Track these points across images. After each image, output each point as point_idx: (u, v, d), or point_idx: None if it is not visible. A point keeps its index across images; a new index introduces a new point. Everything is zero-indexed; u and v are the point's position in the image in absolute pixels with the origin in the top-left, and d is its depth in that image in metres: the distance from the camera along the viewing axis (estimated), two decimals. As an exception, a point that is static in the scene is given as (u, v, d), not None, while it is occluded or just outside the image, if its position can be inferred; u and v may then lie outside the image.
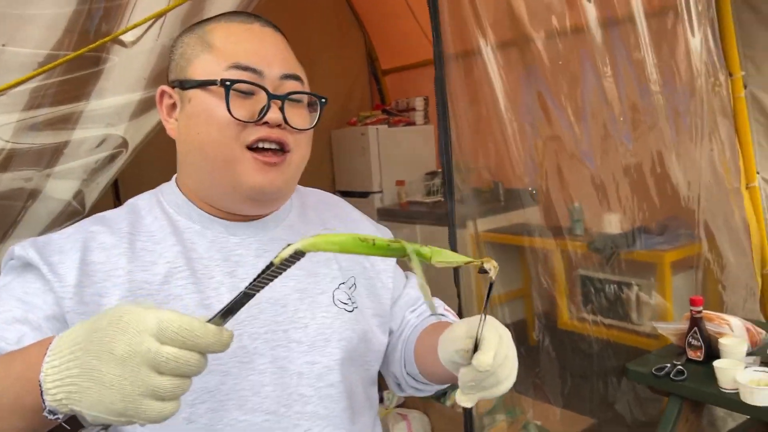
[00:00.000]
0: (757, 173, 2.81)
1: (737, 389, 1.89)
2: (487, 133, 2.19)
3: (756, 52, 2.59)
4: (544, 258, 3.03)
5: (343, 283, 1.00)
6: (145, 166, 2.08)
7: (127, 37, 1.23)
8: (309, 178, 1.05)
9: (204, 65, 0.88)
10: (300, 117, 0.92)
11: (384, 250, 0.65)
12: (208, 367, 0.66)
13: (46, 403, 0.62)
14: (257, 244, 0.95)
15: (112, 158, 1.31)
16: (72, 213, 1.31)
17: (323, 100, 0.94)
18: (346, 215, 1.11)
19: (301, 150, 0.93)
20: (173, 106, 0.93)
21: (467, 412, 2.12)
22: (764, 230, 2.90)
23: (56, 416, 0.63)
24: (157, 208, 0.95)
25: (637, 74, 2.17)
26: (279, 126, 0.88)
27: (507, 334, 0.81)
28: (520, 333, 3.06)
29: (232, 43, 0.89)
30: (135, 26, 1.21)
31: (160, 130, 1.43)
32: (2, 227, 1.32)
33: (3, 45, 1.19)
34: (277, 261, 0.61)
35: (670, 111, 2.29)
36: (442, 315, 1.09)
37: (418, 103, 4.85)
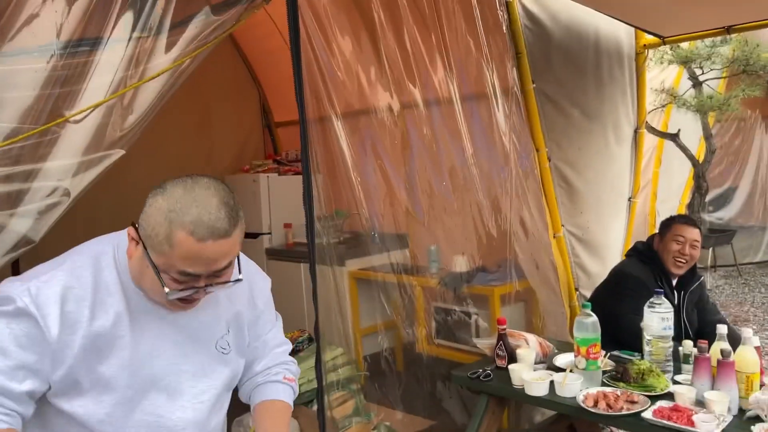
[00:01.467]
0: (563, 226, 3.61)
1: (522, 385, 2.57)
2: (339, 186, 2.81)
3: (556, 134, 3.40)
4: (407, 292, 3.68)
5: (227, 334, 1.50)
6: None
7: (75, 117, 1.73)
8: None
9: None
10: None
11: None
12: (143, 386, 1.31)
13: None
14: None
15: (58, 203, 1.79)
16: (26, 242, 1.76)
17: None
18: (248, 271, 1.54)
19: None
20: None
21: (322, 417, 2.64)
22: (569, 270, 3.70)
23: None
24: (112, 263, 1.36)
25: (455, 144, 2.86)
26: None
27: None
28: (387, 359, 3.64)
29: None
30: (81, 112, 1.72)
31: (94, 185, 1.93)
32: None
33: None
34: None
35: (484, 176, 3.01)
36: (280, 382, 1.61)
37: (307, 154, 5.41)
